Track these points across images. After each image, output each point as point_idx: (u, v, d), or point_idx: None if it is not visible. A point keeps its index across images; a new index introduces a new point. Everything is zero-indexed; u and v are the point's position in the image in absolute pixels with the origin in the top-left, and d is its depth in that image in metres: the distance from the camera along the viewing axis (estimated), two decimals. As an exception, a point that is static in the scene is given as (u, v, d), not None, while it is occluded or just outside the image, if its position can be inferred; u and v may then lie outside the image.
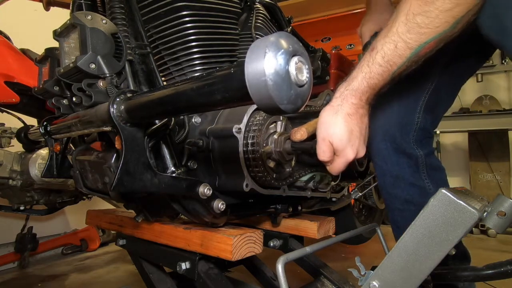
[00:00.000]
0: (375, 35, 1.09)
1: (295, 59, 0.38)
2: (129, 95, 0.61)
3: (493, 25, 0.66)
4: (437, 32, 0.64)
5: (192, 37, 0.88)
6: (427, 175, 0.93)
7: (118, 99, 0.59)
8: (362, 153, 0.75)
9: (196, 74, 0.88)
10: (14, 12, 2.07)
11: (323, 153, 0.73)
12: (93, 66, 0.70)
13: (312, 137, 0.82)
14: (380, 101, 0.90)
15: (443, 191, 0.56)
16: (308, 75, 0.40)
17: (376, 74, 0.70)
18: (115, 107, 0.59)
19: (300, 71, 0.39)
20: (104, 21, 0.74)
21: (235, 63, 0.42)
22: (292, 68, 0.38)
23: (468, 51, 0.89)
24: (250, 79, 0.37)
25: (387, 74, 0.70)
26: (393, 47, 0.67)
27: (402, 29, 0.65)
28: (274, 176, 0.88)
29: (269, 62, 0.36)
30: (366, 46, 1.10)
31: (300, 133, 0.82)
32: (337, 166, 0.75)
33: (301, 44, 0.40)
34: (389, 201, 0.98)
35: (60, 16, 1.20)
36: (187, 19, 0.87)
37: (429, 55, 0.69)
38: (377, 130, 0.91)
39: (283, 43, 0.37)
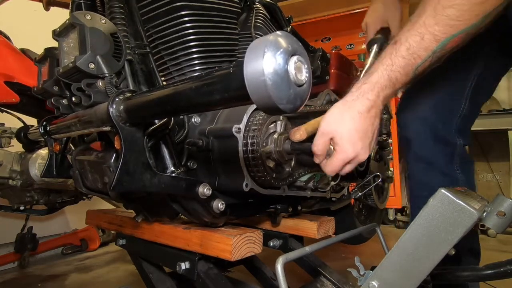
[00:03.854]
0: (380, 31, 1.08)
1: (294, 58, 0.38)
2: (128, 95, 0.61)
3: None
4: (467, 25, 0.63)
5: (192, 37, 0.88)
6: (459, 165, 0.93)
7: (117, 99, 0.59)
8: (363, 156, 0.72)
9: (195, 74, 0.88)
10: (14, 12, 2.07)
11: (315, 146, 0.71)
12: (92, 66, 0.70)
13: (312, 138, 0.81)
14: (422, 86, 0.89)
15: (443, 191, 0.56)
16: (307, 75, 0.40)
17: (398, 67, 0.67)
18: (114, 107, 0.59)
19: (299, 70, 0.39)
20: (103, 21, 0.74)
21: (234, 62, 0.42)
22: (291, 68, 0.38)
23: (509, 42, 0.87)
24: (249, 79, 0.37)
25: (410, 68, 0.67)
26: (419, 39, 0.65)
27: (430, 22, 0.64)
28: (274, 176, 0.87)
29: (268, 61, 0.36)
30: (370, 43, 1.08)
31: (299, 133, 0.81)
32: (332, 164, 0.72)
33: (300, 43, 0.40)
34: (415, 188, 0.98)
35: (60, 16, 1.19)
36: (186, 19, 0.87)
37: (454, 50, 0.67)
38: (417, 115, 0.90)
39: (282, 42, 0.37)
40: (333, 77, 1.28)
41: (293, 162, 0.93)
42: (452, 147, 0.92)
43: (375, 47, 1.07)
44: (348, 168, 0.73)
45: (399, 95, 1.02)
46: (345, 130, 0.68)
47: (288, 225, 1.12)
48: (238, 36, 1.01)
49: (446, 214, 0.56)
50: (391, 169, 1.87)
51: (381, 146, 1.69)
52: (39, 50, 0.95)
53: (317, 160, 0.75)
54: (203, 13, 0.90)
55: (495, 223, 0.63)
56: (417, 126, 0.92)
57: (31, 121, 1.58)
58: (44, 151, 1.45)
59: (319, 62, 1.22)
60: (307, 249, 0.73)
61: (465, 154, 0.95)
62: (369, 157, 1.13)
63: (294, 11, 2.79)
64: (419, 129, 0.91)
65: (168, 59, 0.91)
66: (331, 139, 0.71)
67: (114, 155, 0.71)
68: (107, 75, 0.72)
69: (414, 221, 0.59)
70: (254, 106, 0.83)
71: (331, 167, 0.72)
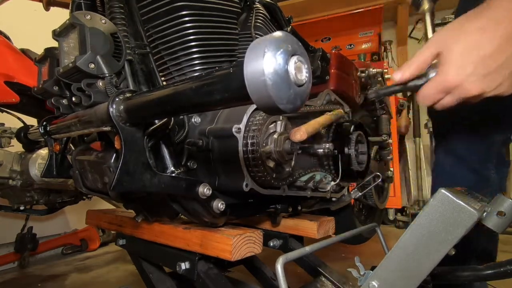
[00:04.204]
0: None
1: (294, 58, 0.38)
2: (128, 95, 0.61)
3: None
4: None
5: (192, 37, 0.88)
6: (495, 165, 0.86)
7: (117, 99, 0.59)
8: (469, 89, 0.49)
9: (195, 74, 0.88)
10: (14, 12, 2.07)
11: (413, 62, 0.55)
12: (92, 66, 0.70)
13: (312, 138, 0.81)
14: None
15: (443, 191, 0.56)
16: (307, 75, 0.40)
17: None
18: (114, 107, 0.59)
19: (299, 70, 0.39)
20: (103, 21, 0.74)
21: (234, 62, 0.42)
22: (291, 68, 0.38)
23: None
24: (249, 79, 0.37)
25: None
26: None
27: None
28: (274, 176, 0.87)
29: (268, 61, 0.36)
30: (416, 1, 0.98)
31: (299, 133, 0.81)
32: (426, 89, 0.54)
33: (300, 43, 0.40)
34: (439, 180, 0.91)
35: (60, 16, 1.19)
36: (186, 19, 0.87)
37: None
38: (453, 111, 0.82)
39: (282, 42, 0.37)
40: (333, 77, 1.27)
41: (293, 162, 0.93)
42: (489, 144, 0.84)
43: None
44: (446, 101, 0.55)
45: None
46: (462, 43, 0.48)
47: (288, 225, 1.12)
48: (238, 36, 1.01)
49: (446, 214, 0.56)
50: (391, 169, 1.87)
51: (381, 146, 1.70)
52: (39, 50, 0.95)
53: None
54: (203, 13, 0.90)
55: (495, 223, 0.63)
56: (453, 121, 0.83)
57: (31, 121, 1.58)
58: (44, 151, 1.45)
59: (319, 62, 1.21)
60: (307, 249, 0.73)
61: (504, 154, 0.89)
62: (369, 156, 1.13)
63: (294, 11, 2.80)
64: (456, 124, 0.83)
65: (168, 59, 0.91)
66: (438, 55, 0.52)
67: (114, 155, 0.71)
68: (107, 75, 0.72)
69: (414, 221, 0.59)
70: (254, 106, 0.83)
71: (423, 93, 0.55)
